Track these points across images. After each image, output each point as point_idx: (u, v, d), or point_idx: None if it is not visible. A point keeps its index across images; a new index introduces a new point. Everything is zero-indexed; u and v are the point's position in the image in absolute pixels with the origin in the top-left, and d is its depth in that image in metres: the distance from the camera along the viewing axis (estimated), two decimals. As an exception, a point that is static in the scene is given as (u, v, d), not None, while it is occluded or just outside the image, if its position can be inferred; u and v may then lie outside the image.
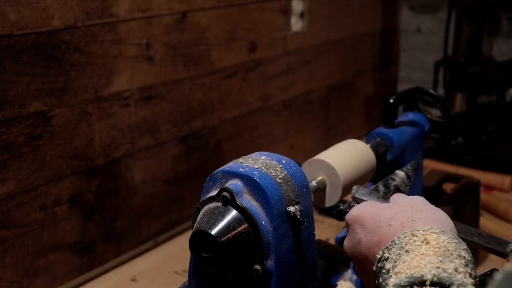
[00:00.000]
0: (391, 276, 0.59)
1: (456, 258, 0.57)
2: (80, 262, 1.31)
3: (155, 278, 1.35)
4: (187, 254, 0.74)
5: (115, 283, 1.33)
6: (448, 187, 1.54)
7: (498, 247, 0.71)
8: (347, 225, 0.70)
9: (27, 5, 1.12)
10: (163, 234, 1.50)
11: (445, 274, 0.55)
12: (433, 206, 0.68)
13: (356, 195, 0.79)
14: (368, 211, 0.68)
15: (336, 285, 0.87)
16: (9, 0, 1.09)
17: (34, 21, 1.14)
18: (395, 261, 0.60)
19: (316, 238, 0.81)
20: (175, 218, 1.53)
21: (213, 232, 0.68)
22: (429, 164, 1.66)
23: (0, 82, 1.10)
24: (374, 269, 0.62)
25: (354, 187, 0.80)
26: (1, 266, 1.16)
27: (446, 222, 0.65)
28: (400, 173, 0.89)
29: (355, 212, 0.69)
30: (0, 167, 1.12)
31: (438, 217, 0.65)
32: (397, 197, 0.72)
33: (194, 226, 0.71)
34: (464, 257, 0.58)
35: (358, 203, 0.78)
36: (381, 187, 0.84)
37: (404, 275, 0.57)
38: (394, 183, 0.86)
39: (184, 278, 0.83)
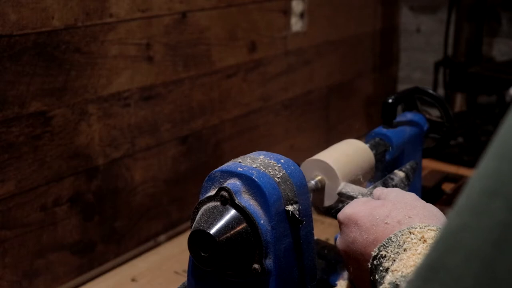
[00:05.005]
0: (388, 274, 0.59)
1: None
2: (80, 262, 1.32)
3: (155, 278, 1.35)
4: (187, 254, 0.74)
5: (115, 283, 1.33)
6: (448, 187, 1.54)
7: None
8: (340, 224, 0.70)
9: (27, 5, 1.13)
10: (163, 234, 1.50)
11: None
12: (425, 202, 0.68)
13: (342, 191, 0.80)
14: (361, 210, 0.68)
15: (336, 284, 0.87)
16: (9, 0, 1.09)
17: (34, 21, 1.14)
18: (394, 260, 0.60)
19: (316, 238, 0.81)
20: (175, 218, 1.53)
21: (212, 231, 0.68)
22: (429, 164, 1.66)
23: (0, 82, 1.10)
24: (369, 266, 0.63)
25: (342, 184, 0.81)
26: (1, 266, 1.16)
27: (441, 217, 0.65)
28: (399, 173, 0.89)
29: (348, 211, 0.69)
30: (0, 167, 1.12)
31: (433, 213, 0.66)
32: (386, 192, 0.72)
33: (193, 225, 0.71)
34: None
35: (343, 199, 0.79)
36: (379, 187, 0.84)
37: (400, 273, 0.57)
38: (392, 182, 0.86)
39: (184, 278, 0.83)
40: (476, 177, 0.31)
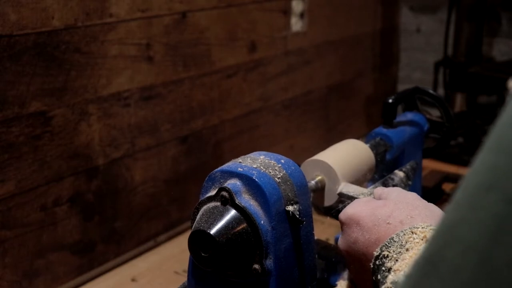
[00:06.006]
0: (390, 274, 0.59)
1: None
2: (80, 262, 1.31)
3: (155, 278, 1.35)
4: (187, 254, 0.74)
5: (115, 283, 1.33)
6: (448, 187, 1.54)
7: None
8: (342, 224, 0.70)
9: (27, 5, 1.13)
10: (163, 234, 1.50)
11: None
12: (426, 202, 0.68)
13: (343, 191, 0.80)
14: (363, 210, 0.68)
15: (336, 285, 0.87)
16: (9, 0, 1.09)
17: (34, 21, 1.14)
18: (396, 260, 0.60)
19: (316, 238, 0.81)
20: (175, 218, 1.53)
21: (212, 231, 0.68)
22: (429, 164, 1.66)
23: (0, 82, 1.10)
24: (372, 266, 0.63)
25: (342, 184, 0.81)
26: (1, 266, 1.16)
27: None
28: (399, 173, 0.89)
29: (350, 211, 0.69)
30: (0, 167, 1.12)
31: (435, 212, 0.66)
32: (388, 192, 0.72)
33: (193, 225, 0.71)
34: None
35: (344, 199, 0.79)
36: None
37: (402, 273, 0.57)
38: (393, 183, 0.86)
39: (184, 278, 0.83)
40: (472, 171, 0.32)
